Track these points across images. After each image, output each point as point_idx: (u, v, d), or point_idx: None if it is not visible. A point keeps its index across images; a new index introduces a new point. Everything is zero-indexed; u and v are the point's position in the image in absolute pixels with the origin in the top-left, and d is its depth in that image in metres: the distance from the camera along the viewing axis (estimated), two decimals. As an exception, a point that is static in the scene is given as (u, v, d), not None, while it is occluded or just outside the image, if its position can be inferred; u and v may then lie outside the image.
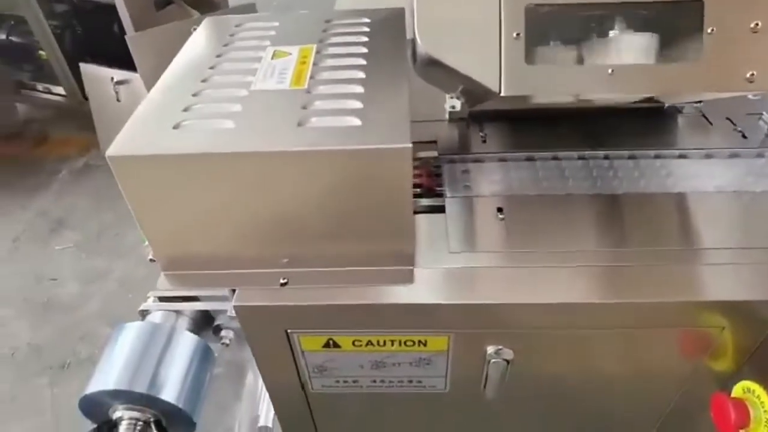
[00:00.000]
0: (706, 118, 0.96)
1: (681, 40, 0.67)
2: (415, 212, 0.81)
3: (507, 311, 0.70)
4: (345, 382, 0.82)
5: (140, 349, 1.18)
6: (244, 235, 0.69)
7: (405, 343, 0.75)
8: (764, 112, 0.95)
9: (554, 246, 0.74)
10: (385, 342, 0.75)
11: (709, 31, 0.65)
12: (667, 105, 0.98)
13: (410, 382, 0.81)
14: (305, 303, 0.70)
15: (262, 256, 0.71)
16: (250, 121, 0.66)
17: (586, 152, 0.89)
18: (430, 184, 0.87)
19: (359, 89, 0.70)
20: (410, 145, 0.59)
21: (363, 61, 0.75)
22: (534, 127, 0.96)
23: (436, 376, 0.80)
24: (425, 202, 0.83)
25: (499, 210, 0.80)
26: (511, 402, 0.86)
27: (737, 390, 0.76)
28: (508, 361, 0.75)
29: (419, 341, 0.74)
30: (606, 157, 0.89)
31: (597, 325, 0.72)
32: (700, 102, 0.96)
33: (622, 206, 0.81)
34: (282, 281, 0.71)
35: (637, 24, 0.67)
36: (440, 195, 0.84)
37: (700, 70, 0.66)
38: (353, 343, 0.75)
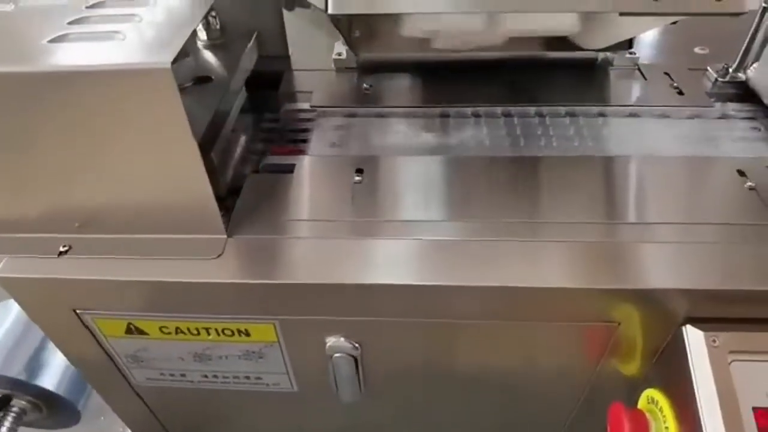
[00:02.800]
0: (642, 73, 0.81)
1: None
2: (260, 170, 0.67)
3: (340, 293, 0.55)
4: (171, 375, 0.67)
5: (19, 332, 1.07)
6: (17, 187, 0.55)
7: (223, 331, 0.60)
8: (708, 68, 0.79)
9: (416, 215, 0.59)
10: (198, 330, 0.60)
11: (598, -69, 0.50)
12: (600, 58, 0.83)
13: (247, 378, 0.67)
14: (87, 277, 0.55)
15: (46, 216, 0.57)
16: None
17: (480, 108, 0.74)
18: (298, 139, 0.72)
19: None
20: (169, 65, 0.44)
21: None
22: (439, 80, 0.80)
23: (276, 372, 0.65)
24: (274, 159, 0.68)
25: (359, 171, 0.65)
26: (379, 403, 0.72)
27: (642, 399, 0.61)
28: (354, 357, 0.61)
29: (239, 330, 0.59)
30: (507, 114, 0.74)
31: (459, 313, 0.57)
32: (634, 53, 0.80)
33: (518, 169, 0.65)
34: (62, 248, 0.57)
35: None
36: (300, 152, 0.70)
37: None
38: (161, 330, 0.60)
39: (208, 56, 0.71)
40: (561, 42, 0.75)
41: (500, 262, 0.54)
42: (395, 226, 0.58)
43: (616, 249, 0.55)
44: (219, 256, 0.56)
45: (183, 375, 0.67)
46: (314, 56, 0.85)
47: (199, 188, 0.54)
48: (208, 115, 0.61)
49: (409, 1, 0.52)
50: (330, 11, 0.51)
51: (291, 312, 0.58)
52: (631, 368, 0.63)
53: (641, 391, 0.61)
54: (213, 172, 0.59)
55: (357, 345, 0.60)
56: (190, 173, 0.53)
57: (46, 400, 0.96)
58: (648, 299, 0.53)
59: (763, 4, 0.72)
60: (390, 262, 0.55)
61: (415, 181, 0.64)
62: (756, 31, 0.74)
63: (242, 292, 0.56)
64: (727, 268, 0.54)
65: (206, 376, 0.67)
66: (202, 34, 0.73)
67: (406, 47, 0.78)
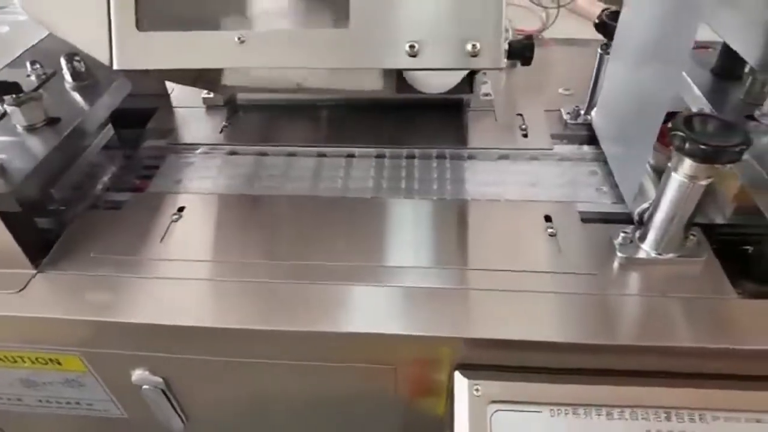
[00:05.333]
0: (495, 115, 0.82)
1: (328, 1, 0.54)
2: (97, 206, 0.70)
3: (135, 331, 0.58)
4: (9, 399, 0.71)
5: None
6: None
7: (38, 360, 0.63)
8: (561, 109, 0.80)
9: (224, 256, 0.62)
10: (14, 358, 0.63)
11: (358, -9, 0.52)
12: (465, 98, 0.84)
13: (78, 404, 0.69)
14: None
15: None
16: None
17: (327, 149, 0.77)
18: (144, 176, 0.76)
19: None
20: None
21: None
22: (307, 120, 0.83)
23: (101, 399, 0.68)
24: (111, 195, 0.72)
25: (180, 210, 0.68)
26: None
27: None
28: (163, 389, 0.63)
29: (50, 359, 0.63)
30: (351, 156, 0.76)
31: (254, 353, 0.59)
32: (489, 95, 0.82)
33: (334, 210, 0.67)
34: None
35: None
36: (139, 189, 0.73)
37: (350, 37, 0.53)
38: (-18, 357, 0.64)
39: (70, 97, 0.76)
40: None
41: (288, 305, 0.57)
42: (198, 267, 0.61)
43: (396, 294, 0.57)
44: (21, 290, 0.59)
45: (19, 399, 0.70)
46: (196, 94, 0.90)
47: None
48: (41, 155, 0.65)
49: (190, 57, 0.55)
50: (115, 67, 0.55)
51: (93, 345, 0.61)
52: (437, 410, 0.63)
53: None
54: (35, 209, 0.63)
55: (161, 379, 0.62)
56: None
57: None
58: (415, 345, 0.54)
59: (599, 51, 0.73)
60: (187, 304, 0.57)
61: (232, 220, 0.67)
62: (597, 75, 0.74)
63: (39, 326, 0.59)
64: (498, 317, 0.54)
65: (41, 401, 0.70)
66: (68, 77, 0.78)
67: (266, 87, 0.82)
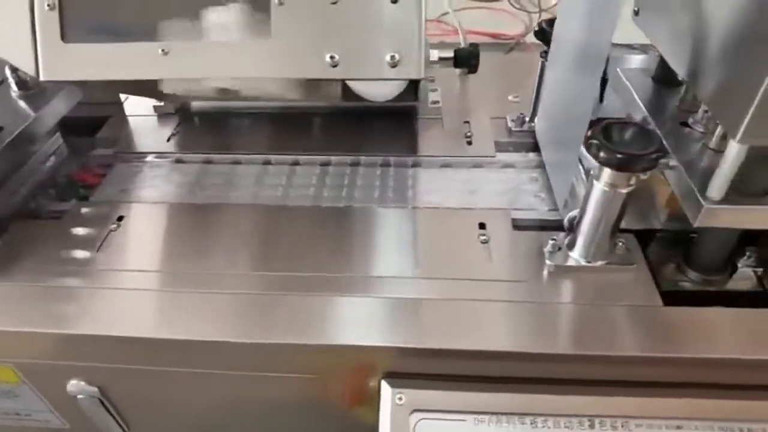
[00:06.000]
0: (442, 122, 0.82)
1: (249, 12, 0.54)
2: (39, 216, 0.70)
3: (66, 341, 0.58)
4: (-48, 410, 0.71)
5: None
6: None
7: (-29, 370, 0.64)
8: (507, 117, 0.80)
9: (162, 265, 0.62)
10: (-52, 368, 0.64)
11: (277, 0, 0.52)
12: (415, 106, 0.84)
13: (17, 414, 0.69)
14: None
15: None
16: None
17: (273, 156, 0.77)
18: (90, 185, 0.76)
19: None
20: None
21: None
22: (251, 127, 0.83)
23: (39, 410, 0.67)
24: (52, 205, 0.72)
25: (119, 219, 0.68)
26: None
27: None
28: (100, 398, 0.63)
29: (-17, 369, 0.63)
30: (295, 163, 0.76)
31: (187, 363, 0.59)
32: (437, 102, 0.82)
33: (273, 219, 0.67)
34: None
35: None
36: (83, 198, 0.73)
37: (271, 48, 0.53)
38: None
39: (14, 106, 0.76)
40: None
41: (221, 315, 0.56)
42: (132, 277, 0.61)
43: (322, 304, 0.57)
44: (-52, 300, 0.59)
45: (-38, 410, 0.70)
46: (150, 101, 0.90)
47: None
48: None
49: (114, 69, 0.55)
50: (41, 78, 0.55)
51: (25, 356, 0.60)
52: (371, 419, 0.63)
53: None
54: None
55: (96, 388, 0.62)
56: None
57: None
58: (340, 355, 0.54)
59: (541, 59, 0.73)
60: (119, 314, 0.57)
61: (171, 229, 0.67)
62: (539, 83, 0.75)
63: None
64: (424, 325, 0.54)
65: (-17, 412, 0.70)
66: (14, 86, 0.78)
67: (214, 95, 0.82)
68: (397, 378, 0.55)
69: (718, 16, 0.50)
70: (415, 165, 0.75)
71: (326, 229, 0.66)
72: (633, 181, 0.52)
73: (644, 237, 0.64)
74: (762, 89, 0.43)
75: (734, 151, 0.50)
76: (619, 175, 0.51)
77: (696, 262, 0.60)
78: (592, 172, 0.53)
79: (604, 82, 0.81)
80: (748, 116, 0.44)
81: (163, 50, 0.54)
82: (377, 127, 0.81)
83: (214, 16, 0.54)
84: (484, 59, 0.75)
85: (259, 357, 0.57)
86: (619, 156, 0.49)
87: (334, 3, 0.51)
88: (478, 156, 0.75)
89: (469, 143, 0.77)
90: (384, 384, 0.55)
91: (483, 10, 1.30)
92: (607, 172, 0.52)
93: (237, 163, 0.76)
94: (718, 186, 0.52)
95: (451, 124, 0.81)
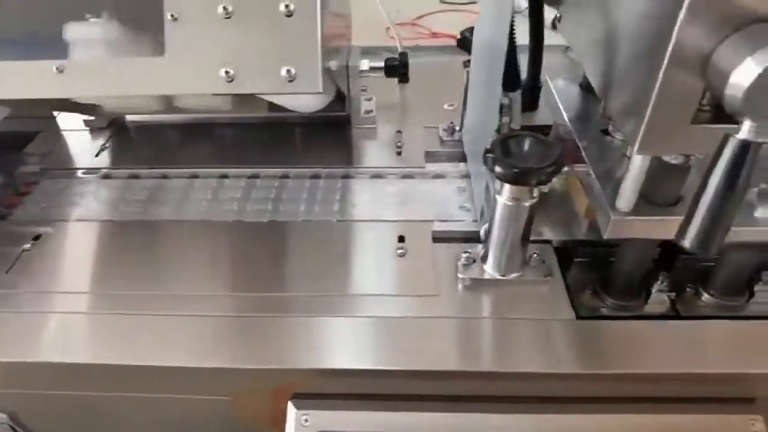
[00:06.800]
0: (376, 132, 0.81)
1: (145, 29, 0.53)
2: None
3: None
4: None
5: None
6: None
7: None
8: (439, 126, 0.79)
9: (66, 287, 0.60)
10: None
11: (170, 16, 0.51)
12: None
13: (-65, 440, 0.68)
14: None
15: None
16: None
17: (200, 170, 0.75)
18: (12, 203, 0.75)
19: None
20: None
21: None
22: (183, 140, 0.83)
23: (-45, 435, 0.67)
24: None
25: (36, 239, 0.66)
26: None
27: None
28: (10, 424, 0.62)
29: None
30: (224, 176, 0.75)
31: (94, 386, 0.58)
32: (371, 112, 0.81)
33: (193, 235, 0.66)
34: None
35: (96, 8, 0.53)
36: (2, 218, 0.72)
37: (166, 65, 0.52)
38: None
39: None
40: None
41: (121, 338, 0.55)
42: (41, 299, 0.59)
43: (227, 325, 0.55)
44: None
45: None
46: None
47: None
48: None
49: (9, 87, 0.54)
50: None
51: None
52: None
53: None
54: None
55: (5, 414, 0.61)
56: None
57: None
58: (242, 377, 0.53)
59: (466, 69, 0.72)
60: (25, 338, 0.55)
61: (89, 249, 0.65)
62: (466, 91, 0.74)
63: None
64: (329, 345, 0.53)
65: None
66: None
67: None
68: (305, 399, 0.54)
69: (616, 30, 0.50)
70: (346, 177, 0.74)
71: (245, 246, 0.64)
72: (536, 193, 0.52)
73: (565, 256, 0.64)
74: (651, 102, 0.42)
75: (638, 163, 0.49)
76: (519, 189, 0.51)
77: (611, 288, 0.59)
78: (495, 186, 0.52)
79: (537, 89, 0.80)
80: (643, 127, 0.44)
81: (57, 68, 0.52)
82: (310, 138, 0.81)
83: (108, 33, 0.53)
84: (438, 65, 0.73)
85: (168, 380, 0.55)
86: (514, 170, 0.48)
87: (228, 18, 0.50)
88: (408, 167, 0.74)
89: (399, 154, 0.76)
90: (290, 405, 0.54)
91: (457, 12, 1.29)
92: (507, 186, 0.51)
93: (164, 177, 0.75)
94: (626, 197, 0.52)
95: (383, 134, 0.80)
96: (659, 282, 0.59)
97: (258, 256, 0.63)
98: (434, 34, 1.16)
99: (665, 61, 0.40)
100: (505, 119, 0.66)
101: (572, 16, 0.65)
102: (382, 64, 0.77)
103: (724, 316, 0.58)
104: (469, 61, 0.71)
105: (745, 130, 0.39)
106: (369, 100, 0.84)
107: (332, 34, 0.64)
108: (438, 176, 0.73)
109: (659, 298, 0.59)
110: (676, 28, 0.38)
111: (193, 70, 0.52)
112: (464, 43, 0.68)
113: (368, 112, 0.81)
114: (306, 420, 0.53)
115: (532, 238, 0.60)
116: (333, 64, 0.62)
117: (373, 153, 0.77)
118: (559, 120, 0.69)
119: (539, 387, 0.52)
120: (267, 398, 0.56)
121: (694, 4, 0.38)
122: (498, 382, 0.52)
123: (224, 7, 0.50)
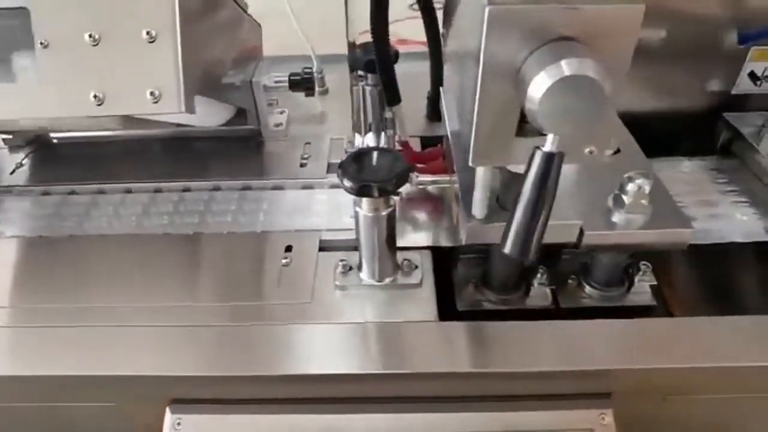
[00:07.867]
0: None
1: (16, 54, 0.56)
2: None
3: None
4: None
5: None
6: None
7: None
8: (345, 136, 0.82)
9: None
10: None
11: (41, 43, 0.54)
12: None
13: None
14: None
15: None
16: None
17: (106, 185, 0.77)
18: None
19: None
20: None
21: None
22: (96, 156, 0.84)
23: None
24: None
25: (-60, 256, 0.68)
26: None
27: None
28: None
29: None
30: (128, 191, 0.78)
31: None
32: (280, 125, 0.84)
33: (93, 250, 0.68)
34: None
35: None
36: None
37: (38, 89, 0.55)
38: None
39: None
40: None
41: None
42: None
43: (110, 334, 0.58)
44: None
45: None
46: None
47: None
48: None
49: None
50: None
51: None
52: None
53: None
54: None
55: None
56: None
57: None
58: (121, 384, 0.55)
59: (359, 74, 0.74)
60: None
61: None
62: (361, 104, 0.77)
63: None
64: (198, 352, 0.56)
65: None
66: None
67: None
68: (183, 404, 0.57)
69: (463, 45, 0.53)
70: (245, 188, 0.76)
71: (128, 259, 0.67)
72: (392, 203, 0.55)
73: (455, 254, 0.67)
74: (475, 113, 0.45)
75: (480, 173, 0.52)
76: (375, 200, 0.53)
77: (491, 282, 0.63)
78: (355, 199, 0.55)
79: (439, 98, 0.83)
80: (472, 139, 0.47)
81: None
82: (218, 152, 0.83)
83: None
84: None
85: (58, 390, 0.58)
86: (361, 184, 0.51)
87: (96, 45, 0.53)
88: (309, 178, 0.76)
89: (303, 165, 0.79)
90: (167, 411, 0.56)
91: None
92: (364, 199, 0.54)
93: (72, 193, 0.77)
94: (479, 205, 0.55)
95: (291, 145, 0.83)
96: (539, 276, 0.62)
97: (130, 269, 0.65)
98: (402, 41, 1.17)
99: (479, 72, 0.43)
100: (390, 132, 0.69)
101: (450, 32, 0.68)
102: (286, 78, 0.80)
103: (603, 308, 0.62)
104: (360, 76, 0.74)
105: (549, 142, 0.43)
106: (282, 113, 0.86)
107: (214, 55, 0.67)
108: (335, 186, 0.76)
109: (541, 291, 0.63)
110: (483, 39, 0.41)
111: (65, 94, 0.55)
112: (353, 59, 0.70)
113: (278, 125, 0.83)
114: (179, 423, 0.55)
115: (411, 245, 0.64)
116: (232, 80, 0.64)
117: (278, 165, 0.80)
118: (445, 132, 0.73)
119: (395, 387, 0.55)
120: (147, 405, 0.58)
121: (493, 18, 0.40)
122: (354, 384, 0.54)
123: (90, 35, 0.52)
